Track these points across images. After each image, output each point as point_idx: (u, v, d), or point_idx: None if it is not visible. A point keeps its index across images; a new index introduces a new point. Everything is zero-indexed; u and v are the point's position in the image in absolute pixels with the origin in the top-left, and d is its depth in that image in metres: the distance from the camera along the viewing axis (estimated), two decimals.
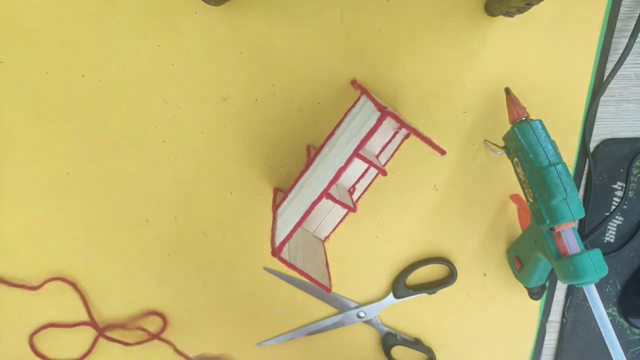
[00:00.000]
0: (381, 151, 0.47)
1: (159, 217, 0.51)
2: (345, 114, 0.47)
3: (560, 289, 0.56)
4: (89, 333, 0.54)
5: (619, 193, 0.52)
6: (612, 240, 0.54)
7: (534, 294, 0.52)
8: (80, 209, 0.50)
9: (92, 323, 0.54)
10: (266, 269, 0.53)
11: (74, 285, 0.52)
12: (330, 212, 0.49)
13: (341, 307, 0.54)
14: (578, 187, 0.53)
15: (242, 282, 0.53)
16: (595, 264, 0.40)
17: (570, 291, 0.55)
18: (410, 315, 0.55)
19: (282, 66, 0.47)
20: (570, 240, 0.42)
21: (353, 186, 0.48)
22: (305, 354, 0.56)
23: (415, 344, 0.55)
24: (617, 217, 0.53)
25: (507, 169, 0.50)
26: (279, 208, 0.46)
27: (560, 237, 0.42)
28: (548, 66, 0.48)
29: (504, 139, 0.45)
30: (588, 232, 0.53)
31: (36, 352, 0.54)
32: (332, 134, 0.46)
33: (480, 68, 0.48)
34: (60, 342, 0.54)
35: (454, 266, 0.53)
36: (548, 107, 0.49)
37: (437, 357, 0.56)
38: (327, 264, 0.48)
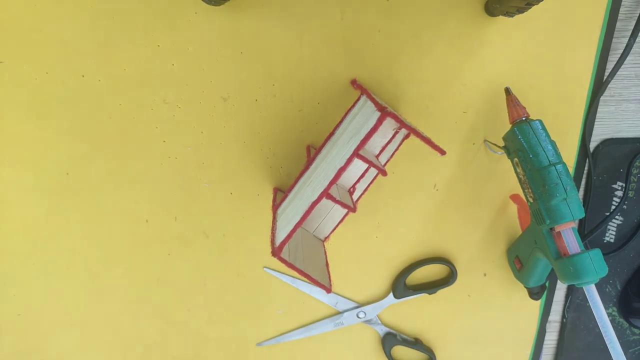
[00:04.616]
0: (381, 151, 0.47)
1: (159, 217, 0.51)
2: (345, 114, 0.47)
3: (560, 289, 0.56)
4: None
5: (619, 193, 0.52)
6: (612, 240, 0.54)
7: (534, 294, 0.52)
8: (80, 209, 0.50)
9: None
10: (266, 269, 0.53)
11: None
12: (330, 212, 0.49)
13: (341, 307, 0.54)
14: (578, 187, 0.53)
15: (242, 282, 0.53)
16: (595, 264, 0.40)
17: (570, 291, 0.55)
18: (410, 315, 0.55)
19: (282, 66, 0.47)
20: (570, 240, 0.42)
21: (353, 186, 0.48)
22: (306, 354, 0.56)
23: (415, 344, 0.55)
24: (617, 217, 0.53)
25: (507, 169, 0.50)
26: (279, 208, 0.46)
27: (560, 237, 0.42)
28: (548, 66, 0.48)
29: (504, 139, 0.45)
30: (588, 232, 0.53)
31: None
32: (332, 134, 0.46)
33: (480, 68, 0.48)
34: None
35: (454, 266, 0.53)
36: (548, 107, 0.49)
37: (437, 357, 0.56)
38: (327, 264, 0.48)
